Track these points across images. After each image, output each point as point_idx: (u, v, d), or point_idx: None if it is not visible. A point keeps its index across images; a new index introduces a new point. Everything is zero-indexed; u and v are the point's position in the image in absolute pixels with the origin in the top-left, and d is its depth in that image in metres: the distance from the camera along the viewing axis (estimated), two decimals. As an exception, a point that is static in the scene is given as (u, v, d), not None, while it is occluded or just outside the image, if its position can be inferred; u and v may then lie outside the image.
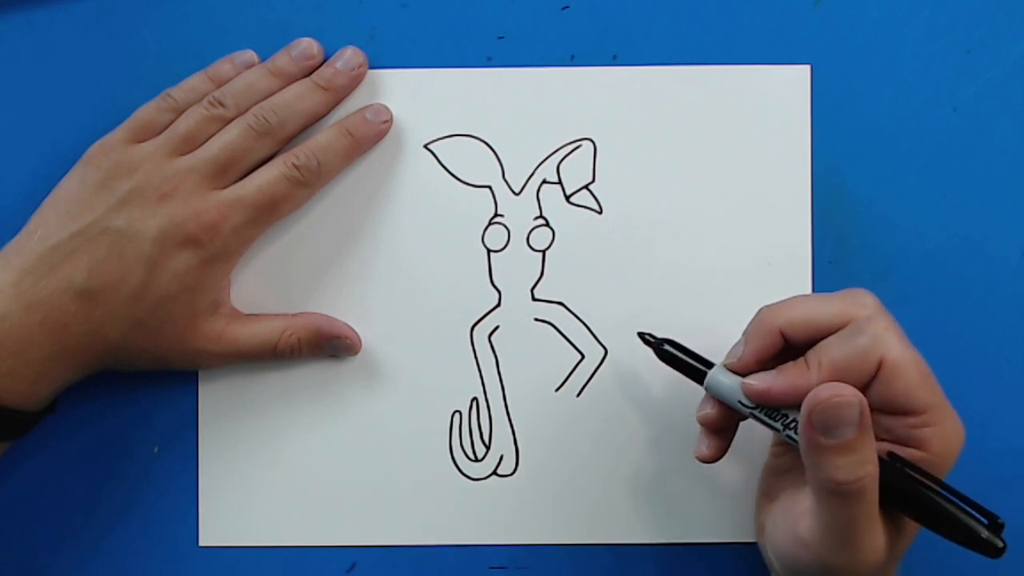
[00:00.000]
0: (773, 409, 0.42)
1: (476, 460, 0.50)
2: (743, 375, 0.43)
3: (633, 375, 0.50)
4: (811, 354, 0.41)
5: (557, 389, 0.50)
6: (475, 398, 0.50)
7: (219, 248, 0.47)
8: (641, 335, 0.46)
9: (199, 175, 0.47)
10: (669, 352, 0.45)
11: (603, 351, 0.50)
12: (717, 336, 0.49)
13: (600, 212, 0.50)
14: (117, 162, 0.47)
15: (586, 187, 0.50)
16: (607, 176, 0.50)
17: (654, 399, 0.49)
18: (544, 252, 0.51)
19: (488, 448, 0.50)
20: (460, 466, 0.50)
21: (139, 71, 0.51)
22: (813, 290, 0.50)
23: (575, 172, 0.50)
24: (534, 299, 0.51)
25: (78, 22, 0.51)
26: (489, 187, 0.51)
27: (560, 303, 0.50)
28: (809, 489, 0.40)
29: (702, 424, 0.44)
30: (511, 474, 0.50)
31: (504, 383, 0.50)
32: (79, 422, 0.50)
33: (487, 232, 0.51)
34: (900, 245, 0.50)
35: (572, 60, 0.51)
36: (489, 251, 0.51)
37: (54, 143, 0.50)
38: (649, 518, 0.50)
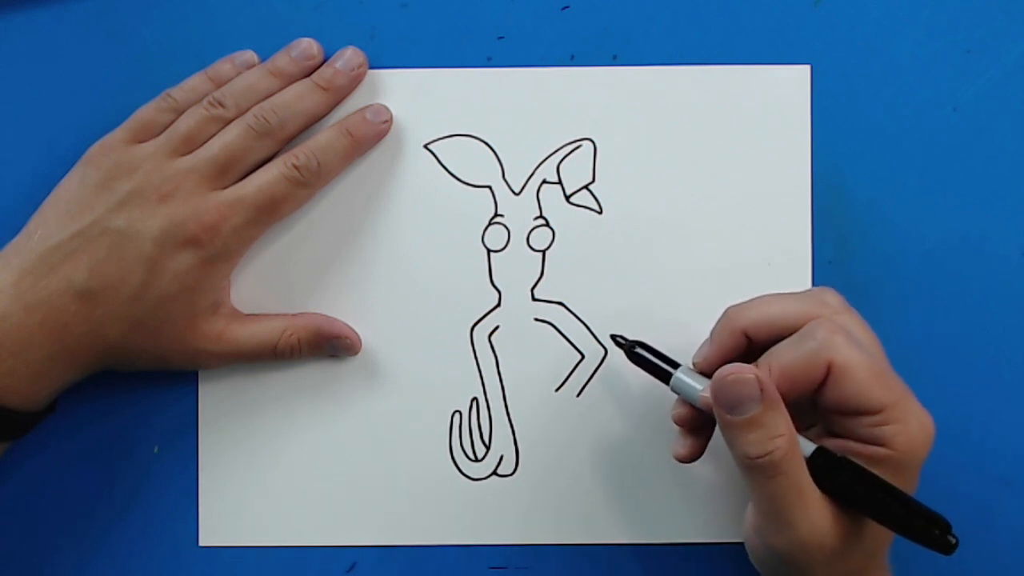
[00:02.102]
0: None
1: (476, 460, 0.50)
2: (709, 375, 0.43)
3: (633, 375, 0.50)
4: (764, 358, 0.42)
5: (557, 389, 0.50)
6: (475, 398, 0.50)
7: (219, 248, 0.47)
8: (613, 337, 0.47)
9: (199, 175, 0.47)
10: (639, 354, 0.46)
11: (603, 351, 0.50)
12: (717, 336, 0.49)
13: (600, 212, 0.50)
14: (117, 162, 0.47)
15: (586, 187, 0.50)
16: (607, 176, 0.50)
17: (654, 399, 0.49)
18: (544, 252, 0.51)
19: (488, 448, 0.50)
20: (460, 466, 0.50)
21: (139, 71, 0.51)
22: (813, 290, 0.50)
23: (575, 172, 0.50)
24: (534, 299, 0.51)
25: (78, 22, 0.51)
26: (489, 187, 0.51)
27: (560, 303, 0.50)
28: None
29: (676, 423, 0.45)
30: (511, 474, 0.50)
31: (504, 383, 0.50)
32: (79, 422, 0.50)
33: (487, 232, 0.51)
34: (900, 245, 0.50)
35: (572, 60, 0.51)
36: (489, 251, 0.51)
37: (54, 143, 0.50)
38: (649, 518, 0.50)
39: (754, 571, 0.45)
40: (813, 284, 0.50)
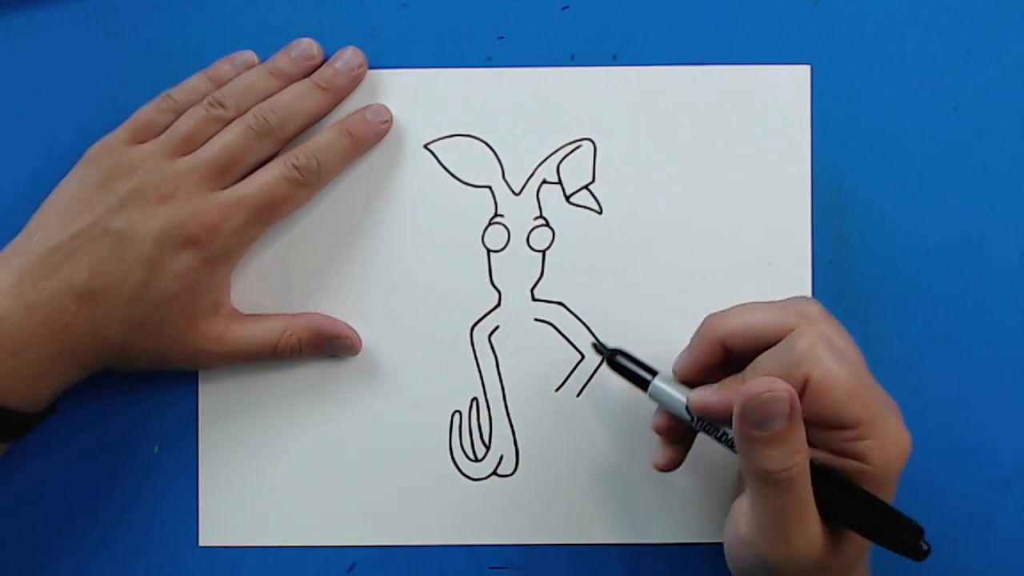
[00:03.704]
0: (710, 421, 0.43)
1: (476, 460, 0.50)
2: (688, 383, 0.44)
3: (633, 375, 0.50)
4: (748, 370, 0.42)
5: (557, 389, 0.50)
6: (475, 398, 0.50)
7: (219, 249, 0.47)
8: (594, 344, 0.48)
9: (199, 176, 0.47)
10: (619, 362, 0.46)
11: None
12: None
13: (600, 212, 0.50)
14: (117, 163, 0.47)
15: (586, 187, 0.50)
16: (607, 176, 0.50)
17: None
18: (544, 252, 0.51)
19: (488, 448, 0.50)
20: (460, 466, 0.50)
21: (139, 71, 0.51)
22: (813, 290, 0.50)
23: (575, 172, 0.50)
24: (534, 299, 0.51)
25: (78, 22, 0.51)
26: (489, 187, 0.51)
27: (560, 303, 0.50)
28: (748, 490, 0.42)
29: (656, 432, 0.45)
30: (511, 474, 0.50)
31: (504, 383, 0.50)
32: (79, 422, 0.50)
33: (487, 232, 0.51)
34: (900, 245, 0.50)
35: (572, 60, 0.51)
36: (489, 251, 0.51)
37: (54, 143, 0.50)
38: (649, 518, 0.50)
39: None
40: (813, 284, 0.50)
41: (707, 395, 0.43)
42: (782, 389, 0.39)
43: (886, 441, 0.40)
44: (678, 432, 0.45)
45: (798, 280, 0.50)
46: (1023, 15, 0.51)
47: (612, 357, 0.46)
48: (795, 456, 0.39)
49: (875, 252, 0.50)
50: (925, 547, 0.40)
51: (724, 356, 0.44)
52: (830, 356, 0.40)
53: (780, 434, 0.39)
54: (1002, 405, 0.50)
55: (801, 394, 0.40)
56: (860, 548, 0.42)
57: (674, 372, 0.45)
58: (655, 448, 0.46)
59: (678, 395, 0.44)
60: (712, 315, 0.44)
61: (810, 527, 0.40)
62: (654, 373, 0.45)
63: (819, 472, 0.41)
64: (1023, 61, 0.51)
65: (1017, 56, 0.51)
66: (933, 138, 0.50)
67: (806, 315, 0.42)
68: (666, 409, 0.45)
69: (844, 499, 0.40)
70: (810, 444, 0.41)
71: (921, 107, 0.50)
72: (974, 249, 0.50)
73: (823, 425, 0.41)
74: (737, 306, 0.44)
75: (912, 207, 0.50)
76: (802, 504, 0.40)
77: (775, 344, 0.42)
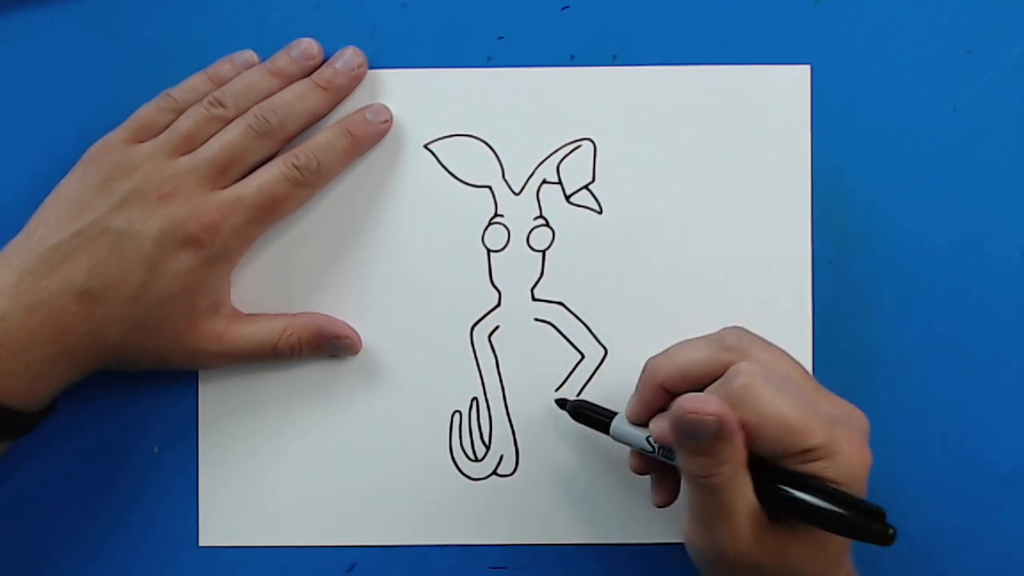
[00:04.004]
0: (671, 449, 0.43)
1: (476, 460, 0.50)
2: (642, 424, 0.45)
3: (633, 375, 0.50)
4: None
5: (557, 389, 0.50)
6: (475, 398, 0.50)
7: (219, 248, 0.47)
8: (557, 401, 0.49)
9: (199, 175, 0.47)
10: (580, 412, 0.48)
11: (603, 351, 0.50)
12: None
13: (600, 212, 0.50)
14: (117, 162, 0.47)
15: (586, 187, 0.50)
16: (607, 176, 0.50)
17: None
18: (544, 252, 0.51)
19: (488, 448, 0.50)
20: (460, 466, 0.50)
21: (139, 71, 0.51)
22: (813, 290, 0.50)
23: (575, 172, 0.50)
24: (534, 299, 0.51)
25: (78, 22, 0.51)
26: (489, 187, 0.51)
27: (560, 303, 0.50)
28: None
29: (635, 472, 0.46)
30: (511, 474, 0.50)
31: (504, 383, 0.50)
32: (79, 422, 0.50)
33: (487, 232, 0.51)
34: (900, 245, 0.50)
35: (572, 60, 0.51)
36: (489, 251, 0.51)
37: (54, 143, 0.50)
38: (649, 518, 0.50)
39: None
40: (813, 284, 0.50)
41: (663, 424, 0.43)
42: (712, 412, 0.40)
43: (838, 460, 0.40)
44: (654, 466, 0.46)
45: (798, 280, 0.50)
46: (1023, 15, 0.51)
47: (573, 409, 0.48)
48: (720, 467, 0.40)
49: (875, 252, 0.50)
50: (890, 531, 0.39)
51: (668, 398, 0.44)
52: (766, 394, 0.40)
53: (705, 447, 0.40)
54: (1002, 405, 0.50)
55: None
56: (809, 561, 0.42)
57: (627, 416, 0.46)
58: (652, 488, 0.47)
59: (637, 432, 0.45)
60: (651, 359, 0.45)
61: (736, 526, 0.41)
62: (613, 415, 0.46)
63: (768, 471, 0.41)
64: (1023, 61, 0.51)
65: (1017, 56, 0.51)
66: (933, 138, 0.50)
67: (733, 348, 0.43)
68: (630, 446, 0.45)
69: (795, 495, 0.40)
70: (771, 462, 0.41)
71: (921, 107, 0.50)
72: (974, 249, 0.50)
73: (775, 457, 0.41)
74: (673, 347, 0.45)
75: (912, 207, 0.50)
76: (727, 506, 0.41)
77: (713, 381, 0.42)
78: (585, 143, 0.50)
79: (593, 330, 0.50)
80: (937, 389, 0.50)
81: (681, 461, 0.42)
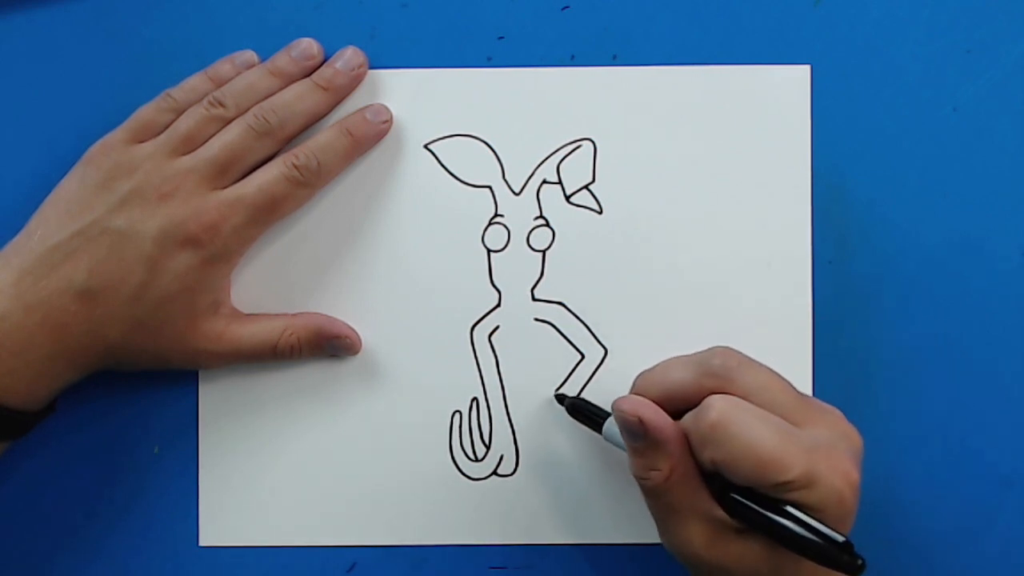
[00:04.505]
0: None
1: (476, 460, 0.50)
2: None
3: (633, 375, 0.50)
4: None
5: (557, 389, 0.50)
6: (475, 398, 0.50)
7: (219, 248, 0.47)
8: (557, 396, 0.50)
9: (199, 175, 0.47)
10: (577, 408, 0.48)
11: (603, 351, 0.50)
12: (716, 336, 0.49)
13: (600, 212, 0.50)
14: (117, 162, 0.47)
15: (586, 187, 0.50)
16: (607, 176, 0.50)
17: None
18: (544, 252, 0.51)
19: (488, 448, 0.50)
20: (460, 466, 0.50)
21: (139, 71, 0.51)
22: (813, 291, 0.50)
23: (575, 172, 0.50)
24: (534, 299, 0.51)
25: (78, 22, 0.51)
26: (489, 187, 0.51)
27: (560, 303, 0.50)
28: None
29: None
30: (511, 474, 0.50)
31: (504, 383, 0.50)
32: (79, 422, 0.50)
33: (487, 232, 0.51)
34: (900, 245, 0.50)
35: (572, 60, 0.51)
36: (489, 251, 0.51)
37: (54, 143, 0.50)
38: (648, 519, 0.50)
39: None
40: (813, 284, 0.50)
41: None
42: (636, 412, 0.42)
43: (820, 488, 0.39)
44: None
45: (798, 280, 0.50)
46: (1023, 15, 0.51)
47: (571, 406, 0.48)
48: (650, 472, 0.42)
49: (875, 252, 0.50)
50: (859, 561, 0.38)
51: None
52: (737, 430, 0.40)
53: (638, 449, 0.42)
54: (1002, 405, 0.50)
55: (716, 469, 0.41)
56: (768, 568, 0.42)
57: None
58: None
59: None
60: (641, 374, 0.45)
61: (684, 530, 0.42)
62: (608, 416, 0.46)
63: (728, 485, 0.41)
64: (1023, 61, 0.51)
65: (1017, 56, 0.51)
66: (933, 138, 0.50)
67: (719, 375, 0.42)
68: (620, 447, 0.45)
69: (757, 515, 0.40)
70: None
71: (921, 107, 0.50)
72: (974, 249, 0.50)
73: (753, 487, 0.40)
74: (661, 364, 0.45)
75: (912, 207, 0.50)
76: (672, 509, 0.42)
77: (696, 405, 0.42)
78: (585, 143, 0.50)
79: (593, 330, 0.50)
80: (937, 389, 0.50)
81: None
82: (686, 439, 0.42)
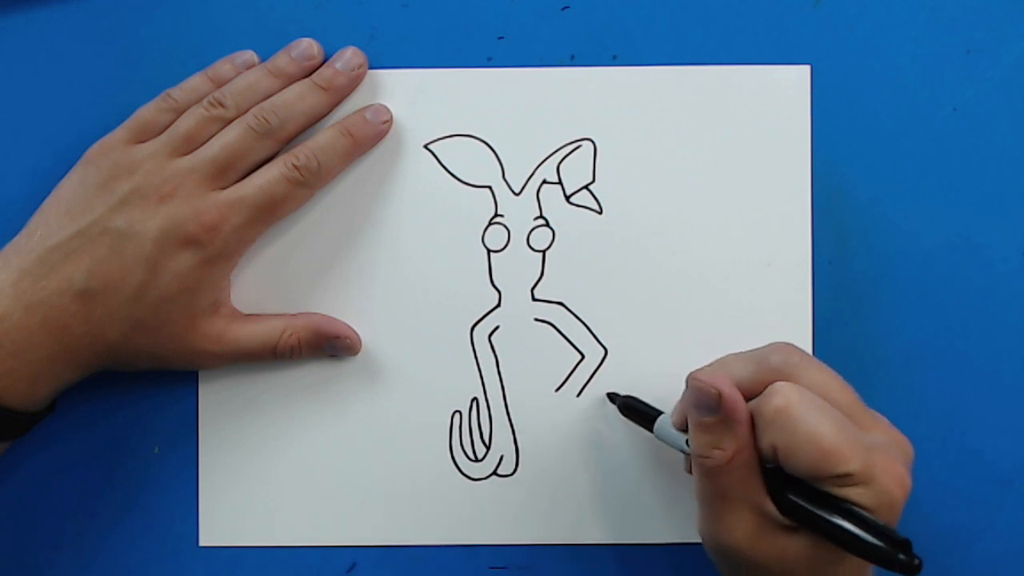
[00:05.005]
0: None
1: (476, 460, 0.50)
2: (682, 430, 0.45)
3: (633, 375, 0.50)
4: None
5: (557, 389, 0.50)
6: (475, 398, 0.50)
7: (219, 248, 0.47)
8: (609, 395, 0.50)
9: (199, 175, 0.47)
10: (629, 407, 0.48)
11: (603, 351, 0.50)
12: (716, 336, 0.49)
13: (600, 212, 0.50)
14: (117, 162, 0.47)
15: (586, 187, 0.50)
16: (607, 176, 0.50)
17: (654, 399, 0.49)
18: (544, 252, 0.51)
19: (488, 448, 0.50)
20: (460, 466, 0.50)
21: (139, 71, 0.51)
22: (813, 291, 0.50)
23: (575, 172, 0.50)
24: (534, 299, 0.51)
25: (78, 22, 0.51)
26: (489, 187, 0.51)
27: (560, 303, 0.50)
28: None
29: (690, 474, 0.46)
30: (511, 474, 0.50)
31: (504, 383, 0.50)
32: (79, 422, 0.50)
33: (487, 232, 0.51)
34: (900, 245, 0.50)
35: (572, 60, 0.51)
36: (489, 251, 0.51)
37: (54, 143, 0.50)
38: (649, 518, 0.50)
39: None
40: (813, 284, 0.50)
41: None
42: (715, 385, 0.41)
43: (876, 488, 0.40)
44: None
45: (798, 280, 0.50)
46: (1023, 15, 0.51)
47: (624, 404, 0.48)
48: (714, 451, 0.41)
49: (875, 252, 0.50)
50: (916, 561, 0.38)
51: None
52: (801, 417, 0.40)
53: (706, 423, 0.41)
54: (1002, 405, 0.50)
55: (775, 457, 0.41)
56: (842, 567, 0.42)
57: (671, 420, 0.46)
58: (685, 458, 0.47)
59: (677, 433, 0.45)
60: (694, 373, 0.44)
61: (732, 519, 0.41)
62: (659, 414, 0.46)
63: (785, 479, 0.41)
64: (1023, 61, 0.51)
65: (1017, 56, 0.51)
66: (933, 138, 0.50)
67: (780, 370, 0.43)
68: (668, 444, 0.45)
69: (813, 510, 0.40)
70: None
71: (921, 107, 0.50)
72: (974, 249, 0.50)
73: (809, 478, 0.40)
74: (718, 361, 0.45)
75: (912, 207, 0.50)
76: (724, 495, 0.41)
77: (754, 397, 0.42)
78: (585, 143, 0.50)
79: (593, 330, 0.50)
80: (937, 389, 0.50)
81: (689, 438, 0.43)
82: (753, 425, 0.41)
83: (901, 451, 0.42)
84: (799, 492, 0.41)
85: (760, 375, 0.43)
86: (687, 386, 0.44)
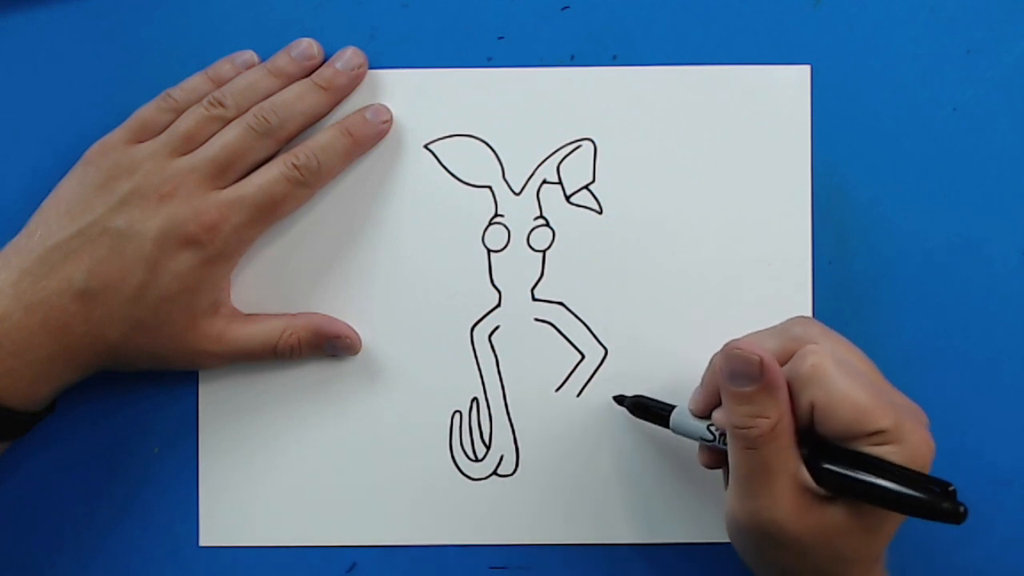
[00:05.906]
0: None
1: (476, 460, 0.50)
2: (704, 417, 0.45)
3: (633, 375, 0.50)
4: None
5: (557, 389, 0.50)
6: (475, 398, 0.50)
7: (219, 248, 0.47)
8: (615, 398, 0.49)
9: (199, 175, 0.47)
10: (640, 406, 0.48)
11: (603, 351, 0.50)
12: (716, 336, 0.49)
13: (600, 212, 0.50)
14: (117, 162, 0.47)
15: (586, 187, 0.50)
16: (607, 176, 0.50)
17: (656, 398, 0.49)
18: (544, 252, 0.51)
19: (488, 448, 0.50)
20: (460, 466, 0.50)
21: (139, 71, 0.51)
22: (813, 291, 0.50)
23: (575, 172, 0.50)
24: (534, 299, 0.51)
25: (78, 22, 0.51)
26: (489, 187, 0.51)
27: (560, 303, 0.50)
28: None
29: (706, 467, 0.46)
30: (511, 474, 0.50)
31: (504, 383, 0.50)
32: (79, 422, 0.50)
33: (487, 232, 0.51)
34: (900, 245, 0.50)
35: (572, 60, 0.51)
36: (489, 251, 0.51)
37: (54, 143, 0.50)
38: (649, 518, 0.50)
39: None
40: (813, 284, 0.50)
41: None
42: (755, 352, 0.41)
43: (907, 446, 0.40)
44: (722, 459, 0.46)
45: (798, 280, 0.50)
46: (1023, 15, 0.51)
47: (634, 404, 0.48)
48: (757, 420, 0.41)
49: (875, 252, 0.50)
50: (961, 508, 0.38)
51: None
52: (836, 375, 0.41)
53: (747, 394, 0.41)
54: (1002, 405, 0.50)
55: (811, 416, 0.41)
56: (853, 548, 0.42)
57: (690, 410, 0.46)
58: (700, 451, 0.47)
59: (697, 422, 0.45)
60: (732, 343, 0.44)
61: (774, 491, 0.41)
62: (672, 408, 0.46)
63: (829, 450, 0.41)
64: (1023, 61, 0.51)
65: (1017, 56, 0.51)
66: (933, 138, 0.50)
67: (805, 338, 0.43)
68: (686, 436, 0.45)
69: (850, 474, 0.40)
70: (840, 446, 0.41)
71: (921, 107, 0.50)
72: (974, 249, 0.50)
73: (843, 438, 0.41)
74: (743, 338, 0.44)
75: (912, 207, 0.50)
76: (766, 466, 0.41)
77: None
78: (585, 143, 0.50)
79: (593, 330, 0.50)
80: (937, 389, 0.50)
81: (725, 412, 0.42)
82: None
83: (920, 417, 0.42)
84: (833, 460, 0.41)
85: (784, 345, 0.43)
86: (712, 365, 0.44)
